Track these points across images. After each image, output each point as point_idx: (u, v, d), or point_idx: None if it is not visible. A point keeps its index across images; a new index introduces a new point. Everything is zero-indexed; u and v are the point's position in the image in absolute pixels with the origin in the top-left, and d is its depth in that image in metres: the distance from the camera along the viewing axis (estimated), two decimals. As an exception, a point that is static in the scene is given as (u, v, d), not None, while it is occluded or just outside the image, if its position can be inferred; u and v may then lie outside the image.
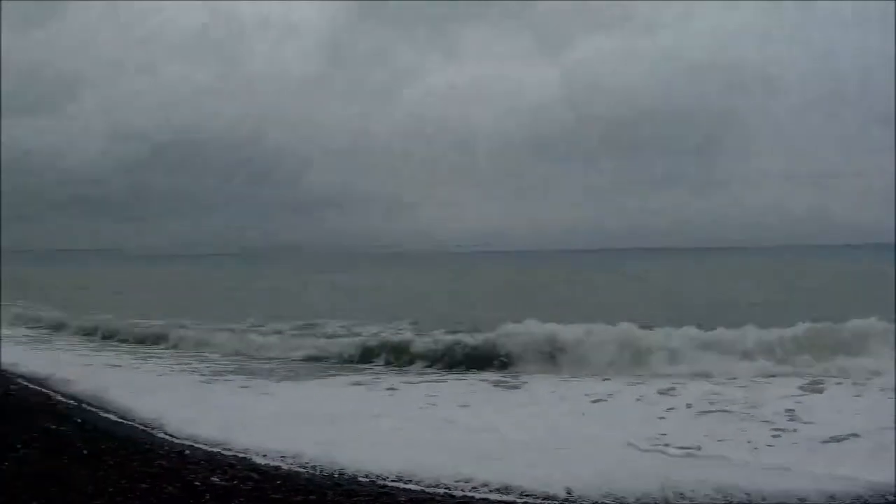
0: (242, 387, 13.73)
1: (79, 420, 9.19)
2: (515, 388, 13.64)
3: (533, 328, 16.82)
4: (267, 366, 16.60)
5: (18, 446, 7.47)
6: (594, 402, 11.91)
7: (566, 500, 6.94)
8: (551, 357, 15.83)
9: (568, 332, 16.38)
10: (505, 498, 6.97)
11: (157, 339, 20.65)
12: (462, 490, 7.14)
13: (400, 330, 19.44)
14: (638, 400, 11.97)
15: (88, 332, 22.07)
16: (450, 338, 17.24)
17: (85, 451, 7.61)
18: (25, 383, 12.09)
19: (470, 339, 16.94)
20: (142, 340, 20.78)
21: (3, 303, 27.89)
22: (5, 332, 22.32)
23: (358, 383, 14.28)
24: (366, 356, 17.23)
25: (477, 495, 7.00)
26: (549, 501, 6.92)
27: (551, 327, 16.72)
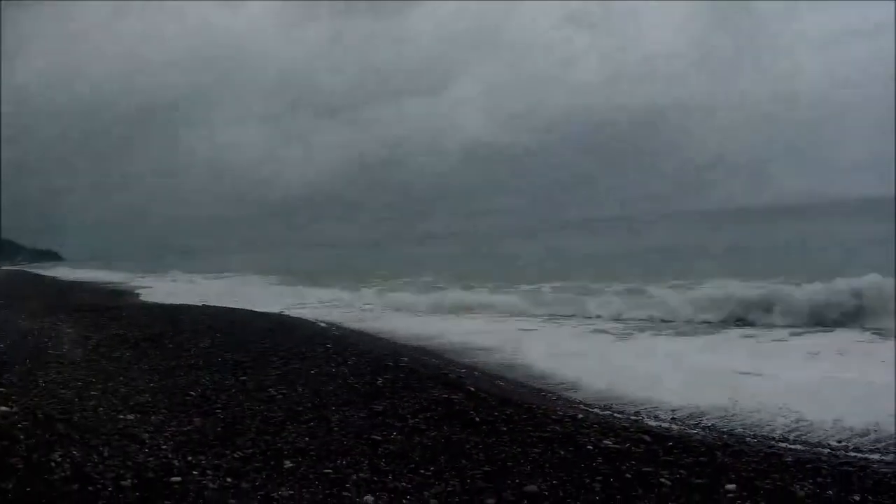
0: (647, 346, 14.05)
1: (472, 388, 8.99)
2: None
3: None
4: (673, 324, 16.65)
5: (408, 417, 7.37)
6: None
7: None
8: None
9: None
10: (886, 458, 6.71)
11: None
12: (845, 451, 6.95)
13: (778, 283, 18.25)
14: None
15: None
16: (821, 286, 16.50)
17: (477, 419, 7.38)
18: (418, 355, 12.28)
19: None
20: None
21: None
22: (406, 303, 23.13)
23: (747, 336, 14.38)
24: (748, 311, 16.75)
25: (859, 455, 6.76)
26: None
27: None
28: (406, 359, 11.18)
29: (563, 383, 10.26)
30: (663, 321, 17.07)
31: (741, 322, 16.23)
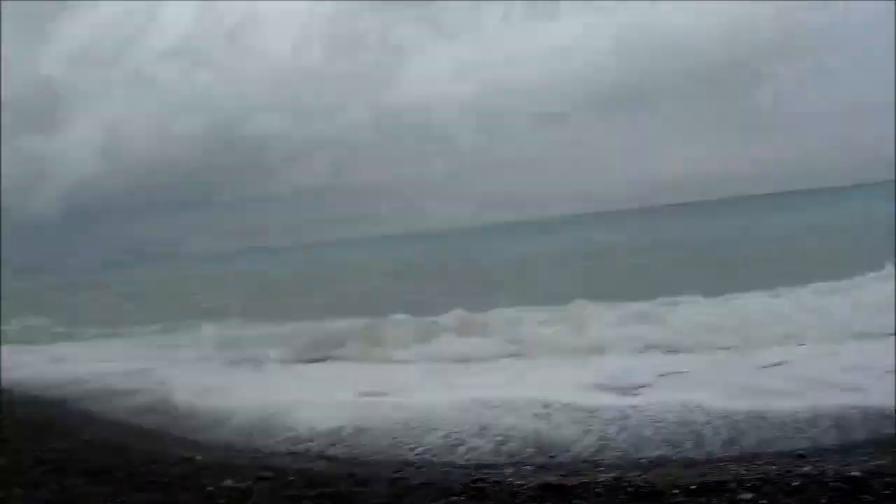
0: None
1: (87, 437, 9.11)
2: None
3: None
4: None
5: (26, 471, 7.35)
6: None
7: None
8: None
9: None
10: (522, 470, 7.03)
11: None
12: (476, 468, 7.29)
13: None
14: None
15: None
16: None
17: (97, 469, 7.49)
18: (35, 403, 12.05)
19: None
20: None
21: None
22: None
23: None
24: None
25: (493, 470, 7.08)
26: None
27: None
28: (22, 410, 10.95)
29: (195, 421, 10.47)
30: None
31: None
